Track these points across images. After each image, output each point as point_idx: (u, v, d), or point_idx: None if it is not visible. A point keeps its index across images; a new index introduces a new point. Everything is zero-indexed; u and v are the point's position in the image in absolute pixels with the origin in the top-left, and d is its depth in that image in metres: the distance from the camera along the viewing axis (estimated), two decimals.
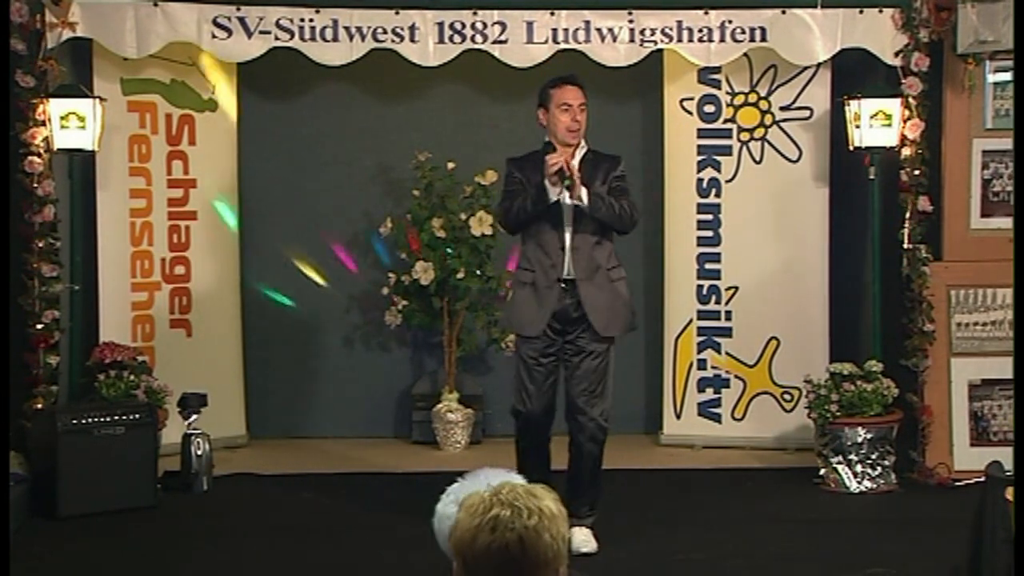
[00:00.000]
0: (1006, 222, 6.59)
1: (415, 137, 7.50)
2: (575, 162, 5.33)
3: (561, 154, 5.29)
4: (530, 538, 2.10)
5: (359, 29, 6.72)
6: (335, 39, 6.73)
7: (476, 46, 6.76)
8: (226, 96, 7.36)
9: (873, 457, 6.43)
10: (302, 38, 6.72)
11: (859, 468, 6.43)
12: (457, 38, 6.73)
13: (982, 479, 4.64)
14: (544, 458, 5.49)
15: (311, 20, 6.72)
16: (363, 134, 7.68)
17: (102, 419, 6.05)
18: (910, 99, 6.63)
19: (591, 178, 5.34)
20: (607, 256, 5.43)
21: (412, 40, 6.72)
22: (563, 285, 5.35)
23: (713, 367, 7.35)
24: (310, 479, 6.69)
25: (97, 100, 6.45)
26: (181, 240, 7.26)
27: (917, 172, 6.68)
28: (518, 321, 5.50)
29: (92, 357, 6.54)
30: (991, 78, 6.64)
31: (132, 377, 6.47)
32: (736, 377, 7.32)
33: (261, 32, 6.71)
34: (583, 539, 5.30)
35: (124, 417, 6.11)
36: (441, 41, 6.73)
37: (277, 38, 6.72)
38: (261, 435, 7.51)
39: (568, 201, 5.30)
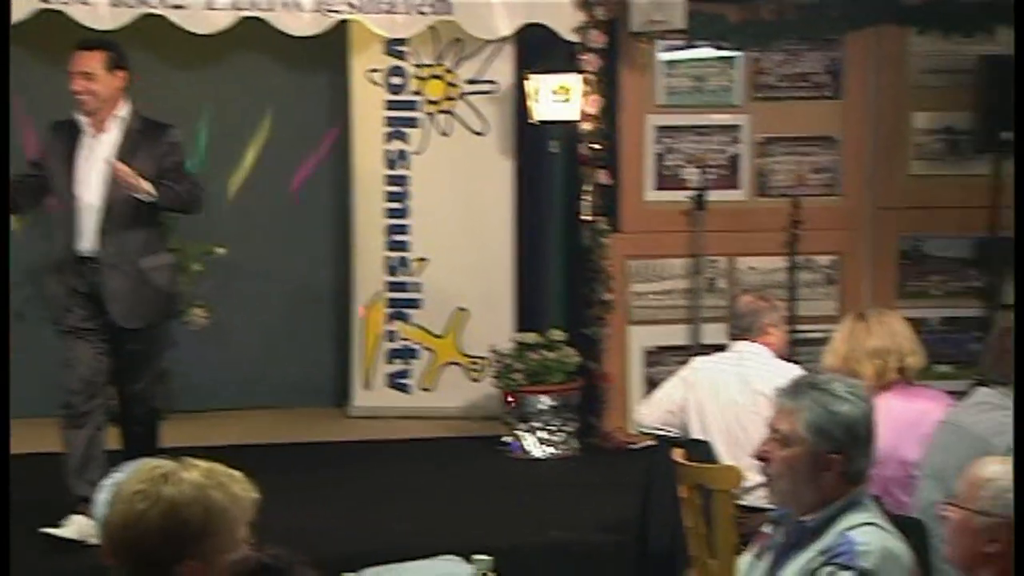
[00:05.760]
0: (678, 195, 6.91)
1: None
2: (113, 134, 5.06)
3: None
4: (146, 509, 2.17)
5: None
6: None
7: (153, 10, 6.48)
8: None
9: (556, 423, 6.62)
10: None
11: (543, 435, 6.61)
12: (133, 1, 6.43)
13: (654, 443, 4.86)
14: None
15: None
16: None
17: None
18: (588, 75, 6.82)
19: (135, 150, 5.06)
20: (142, 242, 5.14)
21: (83, 2, 6.38)
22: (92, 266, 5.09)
23: (402, 338, 7.38)
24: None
25: None
26: None
27: (597, 146, 6.88)
28: None
29: None
30: (663, 56, 6.93)
31: None
32: (425, 348, 7.38)
33: None
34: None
35: None
36: (115, 4, 6.42)
37: None
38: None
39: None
